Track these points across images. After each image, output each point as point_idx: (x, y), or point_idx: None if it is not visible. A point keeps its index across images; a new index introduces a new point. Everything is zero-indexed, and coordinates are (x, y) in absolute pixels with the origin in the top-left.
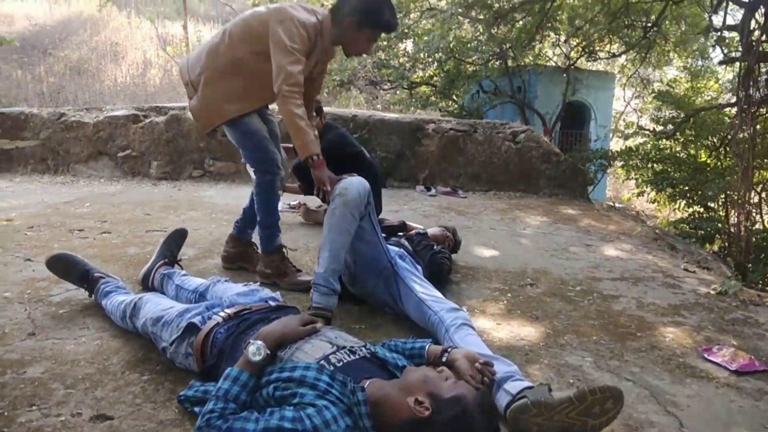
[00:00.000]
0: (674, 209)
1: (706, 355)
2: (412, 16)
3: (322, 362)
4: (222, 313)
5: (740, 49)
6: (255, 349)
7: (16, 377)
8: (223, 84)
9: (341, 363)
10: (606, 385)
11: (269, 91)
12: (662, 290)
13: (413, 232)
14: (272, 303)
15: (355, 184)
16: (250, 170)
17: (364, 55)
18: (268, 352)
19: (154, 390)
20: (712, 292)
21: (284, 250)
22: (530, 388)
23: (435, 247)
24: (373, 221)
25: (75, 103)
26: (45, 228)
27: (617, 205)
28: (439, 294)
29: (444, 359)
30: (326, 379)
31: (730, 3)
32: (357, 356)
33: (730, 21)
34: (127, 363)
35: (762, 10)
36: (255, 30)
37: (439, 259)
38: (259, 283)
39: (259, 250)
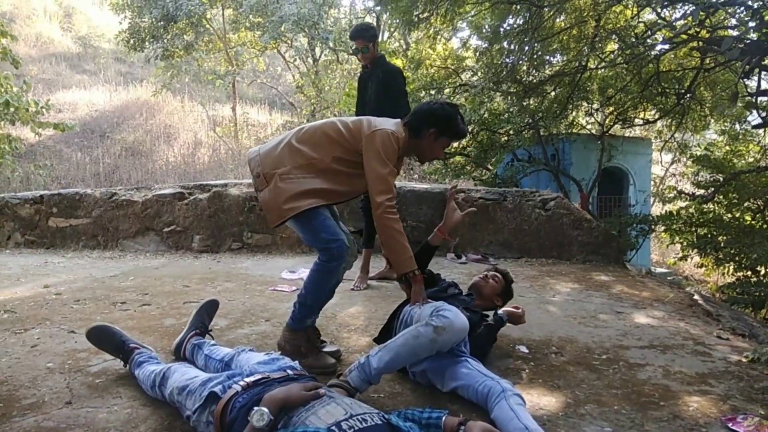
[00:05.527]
0: (722, 273)
1: (729, 425)
2: (445, 92)
3: (333, 428)
4: (241, 382)
5: None
6: (259, 416)
7: None
8: (298, 181)
9: (352, 429)
10: None
11: (342, 192)
12: (691, 358)
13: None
14: (290, 372)
15: (456, 327)
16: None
17: None
18: (272, 417)
19: None
20: (744, 359)
21: (313, 332)
22: None
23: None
24: (471, 364)
25: (128, 182)
26: (90, 301)
27: (660, 270)
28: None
29: None
30: None
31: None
32: (369, 423)
33: (765, 85)
34: (154, 431)
35: None
36: (344, 137)
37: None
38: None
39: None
